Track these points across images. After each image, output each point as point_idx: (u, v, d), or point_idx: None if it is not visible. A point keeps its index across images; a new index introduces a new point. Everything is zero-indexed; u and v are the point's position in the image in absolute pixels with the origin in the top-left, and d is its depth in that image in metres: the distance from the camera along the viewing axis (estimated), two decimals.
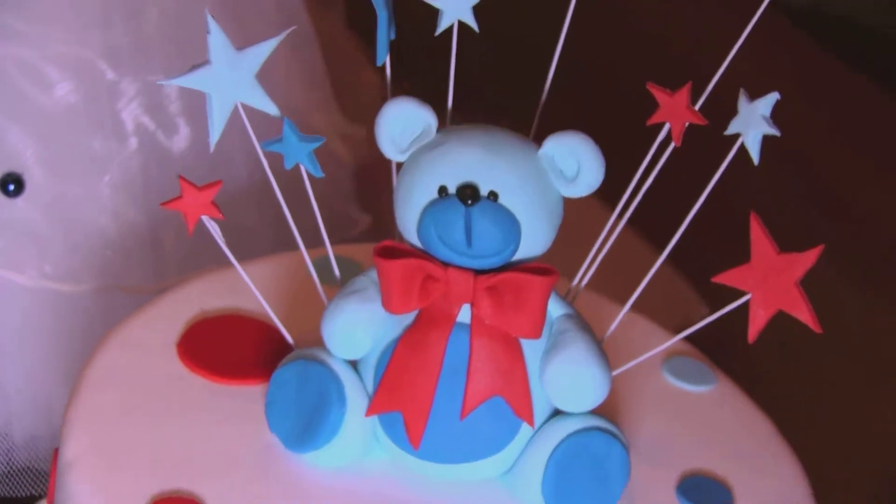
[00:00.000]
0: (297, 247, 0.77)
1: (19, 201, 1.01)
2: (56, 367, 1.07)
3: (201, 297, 0.82)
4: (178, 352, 0.77)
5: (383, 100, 0.71)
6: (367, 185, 1.10)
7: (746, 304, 0.67)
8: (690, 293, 1.34)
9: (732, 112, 0.70)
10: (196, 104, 1.05)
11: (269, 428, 0.72)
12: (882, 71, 1.76)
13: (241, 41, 0.91)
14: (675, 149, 0.72)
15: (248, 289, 0.77)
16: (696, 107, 0.70)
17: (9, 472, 1.05)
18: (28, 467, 1.05)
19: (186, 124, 1.07)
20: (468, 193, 0.66)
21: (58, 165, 1.01)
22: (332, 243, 0.75)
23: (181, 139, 1.07)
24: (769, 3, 0.71)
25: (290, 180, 1.07)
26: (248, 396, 0.75)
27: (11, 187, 0.99)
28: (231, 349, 0.79)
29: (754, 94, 0.69)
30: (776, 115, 0.68)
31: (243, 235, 1.08)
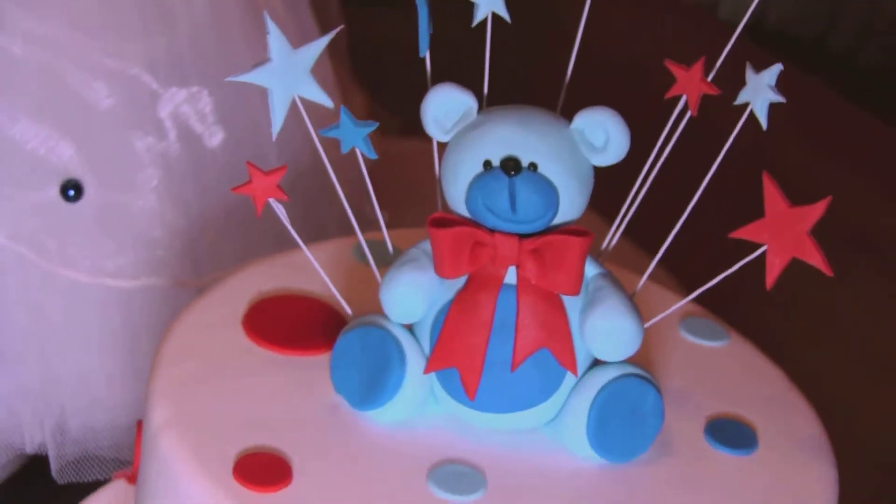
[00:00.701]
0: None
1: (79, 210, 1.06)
2: (110, 360, 1.13)
3: (257, 281, 0.89)
4: (244, 328, 0.84)
5: (424, 88, 0.79)
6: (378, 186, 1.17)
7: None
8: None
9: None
10: (229, 111, 1.11)
11: (335, 389, 0.79)
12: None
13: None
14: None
15: (299, 272, 0.85)
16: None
17: (71, 461, 1.10)
18: (88, 455, 1.10)
19: (223, 129, 1.13)
20: (511, 165, 0.74)
21: (106, 170, 1.07)
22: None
23: (218, 142, 1.12)
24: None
25: (313, 182, 1.14)
26: (312, 365, 0.82)
27: (72, 193, 1.04)
28: (292, 324, 0.86)
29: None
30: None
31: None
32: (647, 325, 0.78)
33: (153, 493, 0.78)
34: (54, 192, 1.07)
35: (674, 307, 0.82)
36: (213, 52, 1.12)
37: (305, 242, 0.82)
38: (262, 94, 1.01)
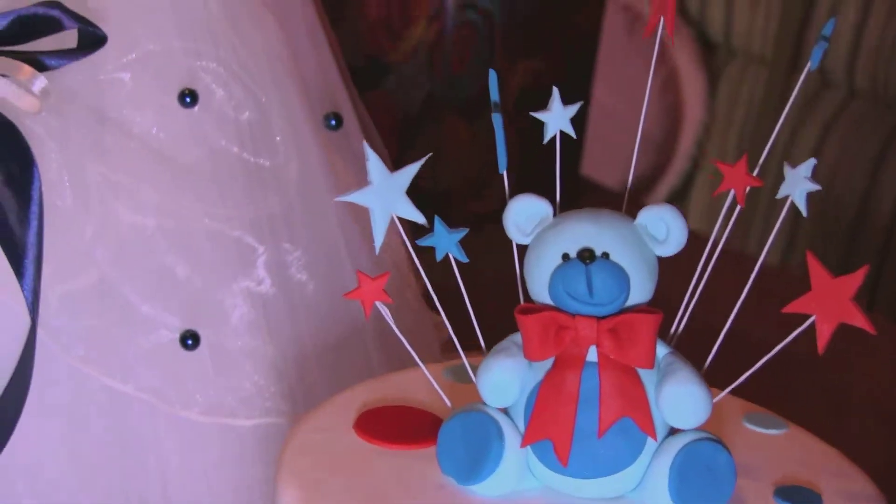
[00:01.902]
0: None
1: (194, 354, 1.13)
2: (223, 494, 1.17)
3: (361, 396, 0.99)
4: (356, 430, 0.93)
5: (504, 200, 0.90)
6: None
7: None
8: None
9: None
10: (315, 260, 1.19)
11: (442, 470, 0.88)
12: None
13: None
14: None
15: (399, 387, 0.96)
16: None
17: None
18: None
19: (311, 277, 1.23)
20: (586, 255, 0.85)
21: (215, 319, 1.16)
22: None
23: (309, 289, 1.21)
24: None
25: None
26: (420, 455, 0.91)
27: (190, 342, 1.12)
28: (398, 426, 0.95)
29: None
30: None
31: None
32: (716, 399, 0.87)
33: None
34: (174, 343, 1.13)
35: (738, 381, 0.90)
36: (300, 210, 1.21)
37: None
38: (341, 245, 1.12)
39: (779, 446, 0.98)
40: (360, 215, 1.25)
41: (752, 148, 0.84)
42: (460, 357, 0.95)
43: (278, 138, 1.18)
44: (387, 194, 0.89)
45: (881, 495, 0.92)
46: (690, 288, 0.91)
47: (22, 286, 1.04)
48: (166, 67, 1.14)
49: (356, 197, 0.89)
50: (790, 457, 0.96)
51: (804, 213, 0.88)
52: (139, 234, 1.13)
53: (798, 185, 0.88)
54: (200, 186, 1.15)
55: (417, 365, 0.94)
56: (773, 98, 2.19)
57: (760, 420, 1.01)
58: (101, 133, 1.12)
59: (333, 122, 1.25)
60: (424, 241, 0.90)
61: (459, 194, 2.33)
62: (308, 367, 1.17)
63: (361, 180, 1.25)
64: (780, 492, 0.91)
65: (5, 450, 1.05)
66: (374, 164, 0.89)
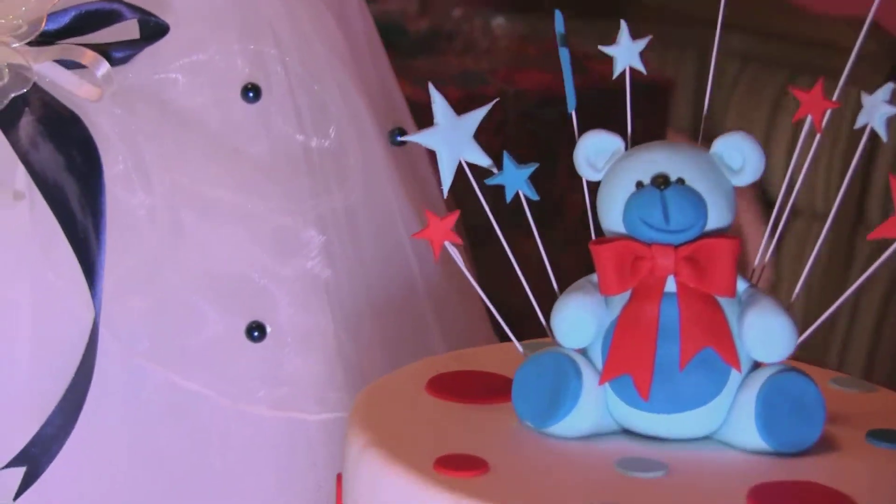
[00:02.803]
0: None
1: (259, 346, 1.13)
2: (287, 488, 1.15)
3: (432, 367, 0.97)
4: (427, 391, 0.93)
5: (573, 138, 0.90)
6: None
7: None
8: None
9: None
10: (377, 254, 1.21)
11: (518, 416, 0.87)
12: None
13: None
14: None
15: (464, 362, 0.95)
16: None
17: None
18: None
19: (373, 273, 1.21)
20: (661, 180, 0.85)
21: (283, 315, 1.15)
22: None
23: (370, 278, 1.21)
24: None
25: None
26: (493, 408, 0.90)
27: (256, 334, 1.12)
28: (471, 387, 0.94)
29: None
30: None
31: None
32: (807, 332, 0.87)
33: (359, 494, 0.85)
34: (240, 336, 1.12)
35: (829, 311, 0.90)
36: (363, 205, 1.21)
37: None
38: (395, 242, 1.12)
39: (868, 402, 0.96)
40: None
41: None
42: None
43: (344, 142, 1.19)
44: (454, 137, 0.89)
45: None
46: (769, 227, 0.90)
47: (89, 276, 1.04)
48: (228, 65, 1.15)
49: (422, 137, 0.89)
50: (881, 409, 0.94)
51: (884, 138, 0.88)
52: (203, 220, 1.13)
53: (877, 110, 0.88)
54: (265, 180, 1.16)
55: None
56: (839, 255, 2.20)
57: (847, 382, 0.99)
58: (164, 127, 1.13)
59: (399, 137, 1.25)
60: (493, 180, 0.89)
61: None
62: (373, 360, 1.16)
63: (424, 197, 1.28)
64: (873, 433, 0.89)
65: (67, 445, 1.05)
66: (441, 106, 0.89)
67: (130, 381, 1.10)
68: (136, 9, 1.08)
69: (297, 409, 1.14)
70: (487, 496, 0.78)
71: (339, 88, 1.20)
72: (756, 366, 0.87)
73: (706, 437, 0.87)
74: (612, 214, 0.87)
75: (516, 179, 0.90)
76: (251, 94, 1.14)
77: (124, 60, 1.08)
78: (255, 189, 1.15)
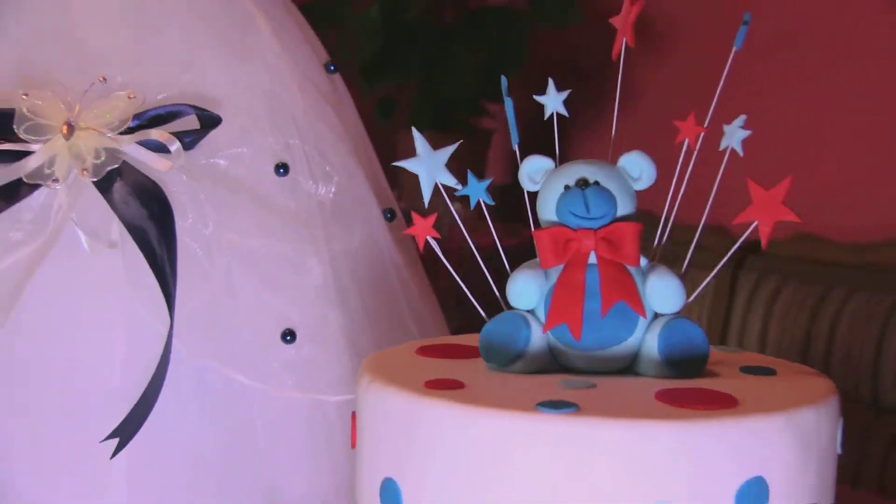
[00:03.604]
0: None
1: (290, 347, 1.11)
2: (316, 459, 1.13)
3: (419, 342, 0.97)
4: (417, 353, 0.91)
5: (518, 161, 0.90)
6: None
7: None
8: None
9: None
10: (373, 284, 1.20)
11: (484, 360, 0.87)
12: None
13: None
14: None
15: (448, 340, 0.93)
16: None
17: None
18: None
19: (368, 299, 1.20)
20: (582, 182, 0.86)
21: (310, 319, 1.13)
22: None
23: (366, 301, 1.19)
24: None
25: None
26: (470, 361, 0.89)
27: (289, 338, 1.10)
28: (453, 350, 0.92)
29: None
30: None
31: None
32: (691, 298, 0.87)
33: (369, 428, 0.83)
34: (277, 339, 1.11)
35: (706, 279, 0.89)
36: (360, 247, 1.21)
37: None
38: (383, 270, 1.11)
39: (741, 357, 0.94)
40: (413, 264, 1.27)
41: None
42: None
43: (346, 202, 1.19)
44: (430, 166, 0.89)
45: (825, 374, 0.89)
46: (664, 214, 0.91)
47: (166, 297, 1.04)
48: (263, 151, 1.15)
49: (408, 164, 0.89)
50: (750, 358, 0.93)
51: (740, 153, 0.88)
52: (249, 255, 1.12)
53: (735, 133, 0.89)
54: (291, 229, 1.15)
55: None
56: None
57: (726, 348, 0.97)
58: (219, 191, 1.13)
59: (389, 216, 1.25)
60: (461, 192, 0.90)
61: None
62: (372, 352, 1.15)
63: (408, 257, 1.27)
64: (743, 368, 0.89)
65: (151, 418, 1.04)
66: (420, 142, 0.90)
67: (196, 376, 1.08)
68: (196, 108, 1.10)
69: (318, 393, 1.12)
70: (462, 400, 0.77)
71: (341, 162, 1.20)
72: (656, 316, 0.86)
73: (623, 371, 0.87)
74: (547, 209, 0.87)
75: (477, 190, 0.91)
76: (281, 171, 1.14)
77: (192, 145, 1.09)
78: (284, 235, 1.14)
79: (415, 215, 0.89)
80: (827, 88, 2.46)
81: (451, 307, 1.34)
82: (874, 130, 2.41)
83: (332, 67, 1.25)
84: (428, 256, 1.06)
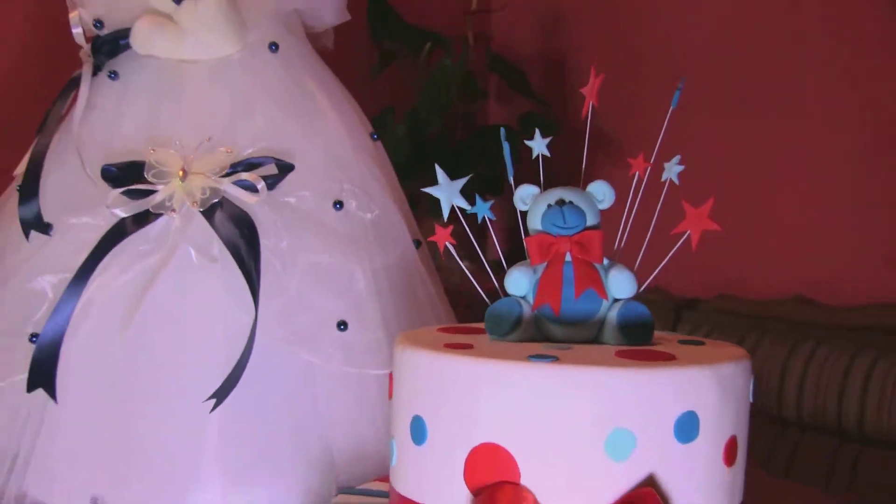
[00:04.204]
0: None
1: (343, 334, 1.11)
2: (363, 423, 1.13)
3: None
4: (437, 330, 0.93)
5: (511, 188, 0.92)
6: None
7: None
8: None
9: None
10: (403, 284, 1.21)
11: (487, 333, 0.88)
12: None
13: None
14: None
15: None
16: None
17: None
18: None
19: (398, 297, 1.20)
20: (561, 202, 0.88)
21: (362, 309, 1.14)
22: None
23: (397, 299, 1.20)
24: None
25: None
26: (476, 336, 0.90)
27: (342, 327, 1.11)
28: (463, 330, 0.94)
29: None
30: None
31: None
32: (643, 286, 0.89)
33: (403, 380, 0.85)
34: (333, 328, 1.12)
35: (654, 274, 0.92)
36: (395, 262, 1.22)
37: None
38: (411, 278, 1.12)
39: (680, 336, 0.95)
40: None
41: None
42: None
43: (384, 228, 1.21)
44: (449, 192, 0.92)
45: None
46: (621, 227, 0.93)
47: (253, 296, 1.06)
48: (324, 191, 1.18)
49: (433, 190, 0.92)
50: (690, 337, 0.93)
51: (676, 182, 0.91)
52: (313, 266, 1.14)
53: (673, 168, 0.92)
54: (345, 247, 1.17)
55: None
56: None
57: (667, 332, 0.99)
58: (292, 218, 1.15)
59: (416, 244, 1.27)
60: (470, 210, 0.92)
61: None
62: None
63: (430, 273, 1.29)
64: (681, 341, 0.90)
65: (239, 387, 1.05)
66: (441, 174, 0.92)
67: (274, 354, 1.10)
68: (275, 159, 1.14)
69: (362, 367, 1.12)
70: (472, 355, 0.79)
71: (381, 200, 1.22)
72: (615, 301, 0.88)
73: (591, 341, 0.88)
74: (534, 222, 0.90)
75: (483, 209, 0.94)
76: (338, 206, 1.16)
77: (272, 186, 1.12)
78: (338, 253, 1.16)
79: (437, 226, 0.92)
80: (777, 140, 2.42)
81: (461, 310, 1.36)
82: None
83: (375, 136, 1.28)
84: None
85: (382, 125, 2.53)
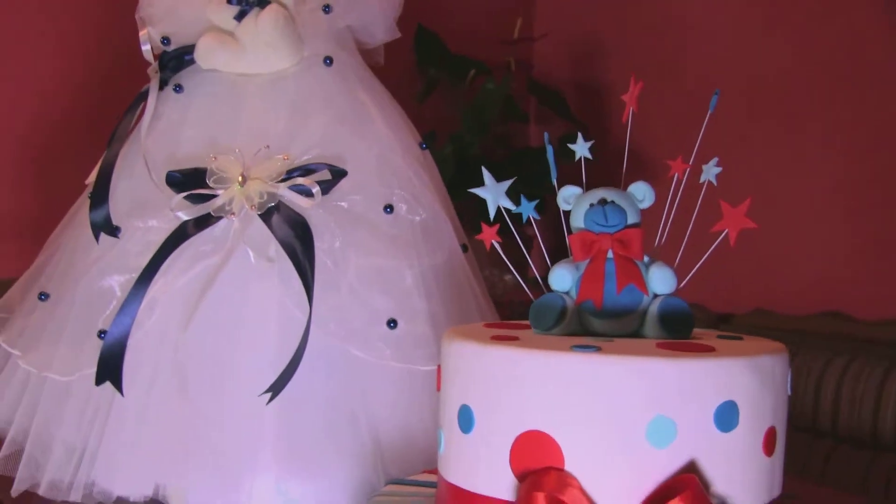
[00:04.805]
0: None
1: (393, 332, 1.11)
2: (413, 415, 1.12)
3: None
4: (483, 326, 0.93)
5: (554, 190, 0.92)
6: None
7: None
8: None
9: None
10: (452, 285, 1.21)
11: (532, 327, 0.88)
12: None
13: None
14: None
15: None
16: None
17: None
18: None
19: (448, 297, 1.20)
20: (602, 201, 0.88)
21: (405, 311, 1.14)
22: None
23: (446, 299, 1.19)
24: None
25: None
26: (520, 330, 0.89)
27: (392, 325, 1.10)
28: (507, 325, 0.93)
29: None
30: None
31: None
32: (682, 283, 0.87)
33: (451, 371, 0.84)
34: (384, 326, 1.11)
35: (691, 273, 0.89)
36: (443, 263, 1.21)
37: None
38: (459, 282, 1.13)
39: (718, 332, 0.94)
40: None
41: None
42: None
43: (432, 230, 1.21)
44: (495, 193, 0.92)
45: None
46: (661, 225, 0.92)
47: (308, 293, 1.06)
48: (375, 196, 1.18)
49: (479, 190, 0.91)
50: (728, 332, 0.92)
51: (714, 183, 0.90)
52: (364, 266, 1.14)
53: (711, 170, 0.91)
54: (396, 248, 1.17)
55: None
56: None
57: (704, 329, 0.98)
58: (344, 221, 1.15)
59: (464, 248, 1.27)
60: (515, 210, 0.91)
61: None
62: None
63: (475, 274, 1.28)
64: (720, 336, 0.89)
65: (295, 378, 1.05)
66: (487, 176, 0.92)
67: (327, 350, 1.10)
68: (329, 165, 1.14)
69: (410, 363, 1.12)
70: (518, 346, 0.79)
71: (429, 205, 1.22)
72: (655, 296, 0.87)
73: (632, 334, 0.87)
74: (577, 220, 0.89)
75: (528, 209, 0.93)
76: (388, 210, 1.16)
77: (326, 190, 1.12)
78: (388, 254, 1.16)
79: (483, 225, 0.91)
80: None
81: (505, 310, 1.35)
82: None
83: (424, 146, 1.29)
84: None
85: (428, 144, 2.55)
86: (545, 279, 0.89)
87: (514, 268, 0.98)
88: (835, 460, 2.05)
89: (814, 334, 2.27)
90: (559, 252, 0.91)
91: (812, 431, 2.11)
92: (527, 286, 0.92)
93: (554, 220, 0.91)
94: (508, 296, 2.29)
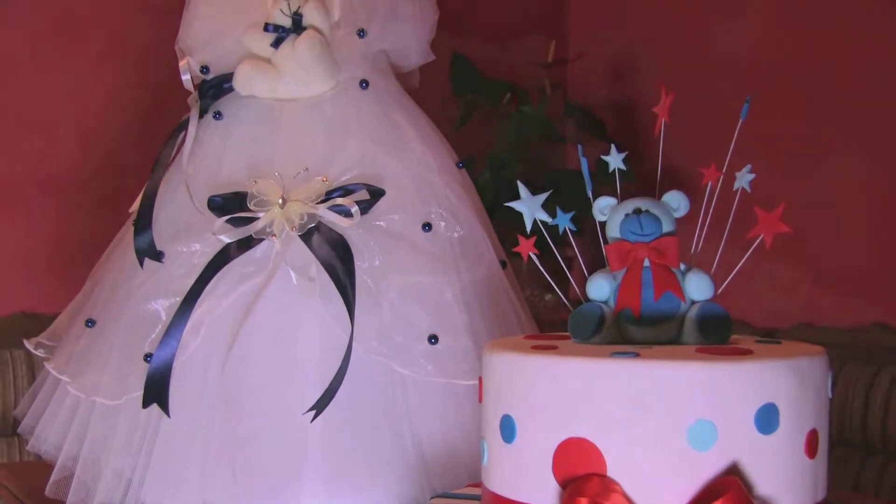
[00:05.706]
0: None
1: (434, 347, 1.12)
2: (457, 429, 1.13)
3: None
4: (523, 337, 0.94)
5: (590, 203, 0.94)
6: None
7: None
8: None
9: None
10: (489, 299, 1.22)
11: (571, 337, 0.89)
12: None
13: None
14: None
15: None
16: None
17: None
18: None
19: (487, 309, 1.21)
20: (638, 211, 0.89)
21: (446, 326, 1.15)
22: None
23: (485, 311, 1.20)
24: None
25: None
26: (558, 340, 0.90)
27: (433, 341, 1.12)
28: (546, 337, 0.94)
29: None
30: None
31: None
32: (720, 289, 0.89)
33: (493, 382, 0.85)
34: (425, 342, 1.12)
35: (729, 278, 0.90)
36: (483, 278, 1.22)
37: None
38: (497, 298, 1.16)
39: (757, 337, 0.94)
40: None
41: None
42: None
43: (470, 247, 1.22)
44: (531, 206, 0.94)
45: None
46: (696, 233, 0.93)
47: (349, 311, 1.09)
48: (414, 214, 1.20)
49: (515, 204, 0.93)
50: (767, 337, 0.93)
51: (748, 190, 0.91)
52: (404, 284, 1.16)
53: (744, 177, 0.92)
54: (435, 264, 1.19)
55: None
56: None
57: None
58: (384, 240, 1.17)
59: (503, 264, 1.28)
60: (550, 223, 0.93)
61: None
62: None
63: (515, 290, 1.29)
64: (758, 340, 0.89)
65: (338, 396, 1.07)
66: (523, 189, 0.94)
67: (369, 367, 1.11)
68: (367, 185, 1.16)
69: (451, 378, 1.13)
70: (555, 354, 0.81)
71: (467, 223, 1.23)
72: (693, 303, 0.88)
73: (670, 342, 0.88)
74: (613, 230, 0.90)
75: (563, 220, 0.95)
76: (427, 228, 1.18)
77: (365, 210, 1.15)
78: (428, 271, 1.17)
79: (520, 237, 0.93)
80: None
81: (546, 329, 1.35)
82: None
83: (461, 165, 1.31)
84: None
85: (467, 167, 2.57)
86: (586, 297, 0.90)
87: (555, 287, 1.00)
88: (888, 476, 2.02)
89: (859, 347, 2.25)
90: (599, 269, 0.92)
91: (864, 448, 2.09)
92: (568, 303, 0.94)
93: (593, 239, 0.93)
94: (549, 315, 2.30)
